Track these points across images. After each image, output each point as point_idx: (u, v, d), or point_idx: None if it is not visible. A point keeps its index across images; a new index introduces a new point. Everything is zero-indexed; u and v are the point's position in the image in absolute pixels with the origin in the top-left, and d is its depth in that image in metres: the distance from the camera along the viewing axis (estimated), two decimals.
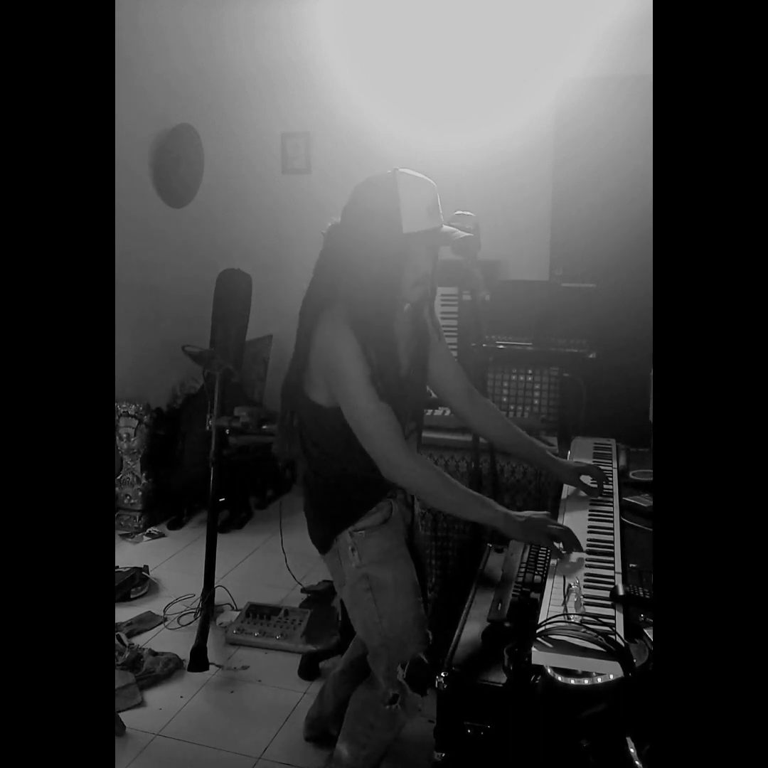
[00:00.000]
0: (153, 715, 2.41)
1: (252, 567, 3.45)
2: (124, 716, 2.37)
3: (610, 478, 2.01)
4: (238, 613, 2.97)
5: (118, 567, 3.24)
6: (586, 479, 1.93)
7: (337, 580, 1.85)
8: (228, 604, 3.06)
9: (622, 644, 1.23)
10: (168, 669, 2.61)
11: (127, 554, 3.56)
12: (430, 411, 2.61)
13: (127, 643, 2.75)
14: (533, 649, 1.24)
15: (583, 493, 1.91)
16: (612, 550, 1.60)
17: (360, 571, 1.74)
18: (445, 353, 1.91)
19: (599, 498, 1.89)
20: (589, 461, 2.14)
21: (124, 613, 2.97)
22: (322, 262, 1.70)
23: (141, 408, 3.89)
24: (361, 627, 1.81)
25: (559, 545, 1.59)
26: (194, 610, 2.97)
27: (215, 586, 2.86)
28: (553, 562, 1.55)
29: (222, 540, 2.98)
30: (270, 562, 3.36)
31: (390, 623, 1.75)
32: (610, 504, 1.86)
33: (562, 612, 1.31)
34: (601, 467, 2.01)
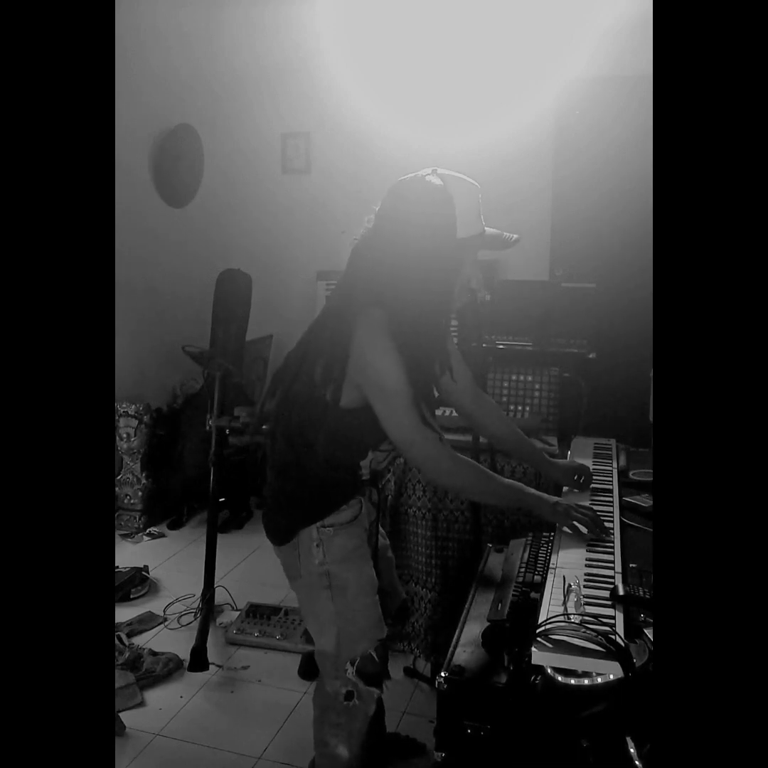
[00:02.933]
0: (153, 715, 2.41)
1: (252, 567, 3.45)
2: (124, 716, 2.37)
3: (610, 479, 2.02)
4: (238, 613, 2.97)
5: (118, 567, 3.24)
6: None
7: (289, 573, 1.81)
8: (228, 604, 3.07)
9: (622, 644, 1.23)
10: (168, 669, 2.61)
11: (127, 554, 3.56)
12: None
13: (127, 643, 2.75)
14: (533, 649, 1.24)
15: (576, 491, 1.94)
16: (612, 550, 1.60)
17: (322, 568, 1.72)
18: (453, 350, 1.90)
19: (599, 498, 1.89)
20: (589, 461, 2.14)
21: (124, 613, 2.97)
22: (360, 266, 1.63)
23: (141, 408, 3.89)
24: (314, 623, 1.78)
25: (585, 530, 1.65)
26: (194, 610, 2.97)
27: (215, 586, 2.86)
28: (554, 557, 1.55)
29: (222, 540, 2.98)
30: (270, 562, 3.31)
31: (345, 622, 1.73)
32: (610, 504, 1.86)
33: (562, 612, 1.31)
34: (602, 467, 2.01)
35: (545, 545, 1.75)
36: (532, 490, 1.71)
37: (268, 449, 1.80)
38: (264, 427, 1.86)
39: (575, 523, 1.67)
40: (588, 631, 1.25)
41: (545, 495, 1.71)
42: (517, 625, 1.42)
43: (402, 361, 1.56)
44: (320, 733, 1.84)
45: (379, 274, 1.58)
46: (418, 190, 1.58)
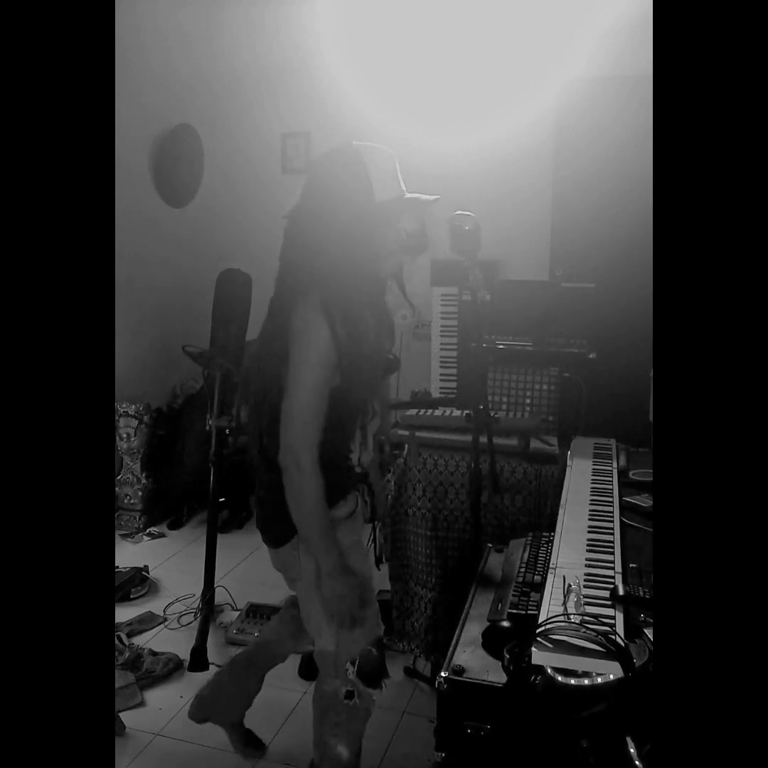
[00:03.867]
0: (153, 715, 2.41)
1: (252, 567, 3.45)
2: (124, 716, 2.37)
3: (610, 479, 2.01)
4: (238, 613, 2.97)
5: (118, 567, 3.24)
6: None
7: (289, 575, 1.81)
8: (228, 604, 3.06)
9: (622, 644, 1.23)
10: (168, 669, 2.61)
11: (127, 554, 3.56)
12: (430, 411, 2.61)
13: (127, 643, 2.75)
14: (533, 649, 1.24)
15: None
16: (612, 550, 1.60)
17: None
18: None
19: (599, 498, 1.89)
20: (589, 461, 2.14)
21: (124, 613, 2.97)
22: (289, 247, 1.65)
23: (141, 408, 3.89)
24: (314, 623, 1.77)
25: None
26: (194, 610, 2.97)
27: (215, 586, 2.86)
28: (554, 557, 1.55)
29: (222, 540, 2.98)
30: (270, 562, 3.35)
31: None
32: (610, 504, 1.86)
33: (562, 612, 1.31)
34: (602, 467, 2.01)
35: (545, 545, 1.76)
36: (339, 565, 1.64)
37: (254, 452, 1.77)
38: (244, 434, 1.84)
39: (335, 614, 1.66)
40: (588, 631, 1.25)
41: (343, 575, 1.65)
42: (517, 625, 1.42)
43: (331, 342, 1.54)
44: (320, 733, 1.85)
45: (307, 252, 1.60)
46: (332, 160, 1.60)
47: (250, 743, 2.21)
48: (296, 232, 1.64)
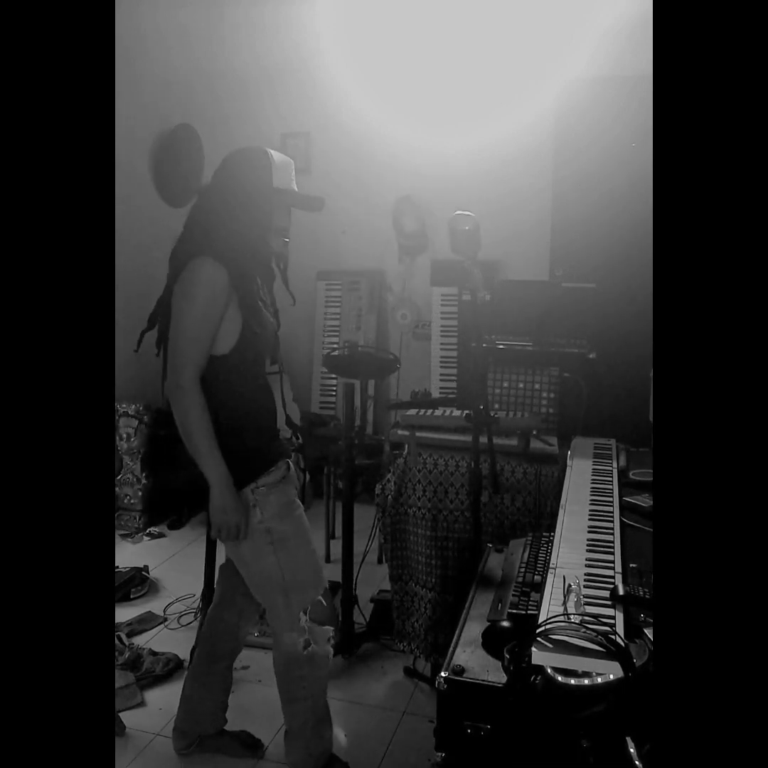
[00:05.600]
0: (153, 715, 2.41)
1: None
2: (124, 716, 2.37)
3: (610, 479, 2.01)
4: None
5: (118, 567, 3.24)
6: None
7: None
8: None
9: (622, 644, 1.23)
10: (168, 669, 2.61)
11: (127, 554, 3.56)
12: (430, 411, 2.61)
13: (127, 643, 2.75)
14: (533, 649, 1.24)
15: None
16: (612, 550, 1.60)
17: (262, 525, 1.83)
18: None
19: (599, 498, 1.89)
20: (589, 461, 2.14)
21: (124, 613, 2.97)
22: (194, 217, 1.89)
23: (141, 408, 3.89)
24: (261, 581, 1.90)
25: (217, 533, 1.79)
26: (194, 610, 2.97)
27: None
28: (554, 557, 1.55)
29: None
30: None
31: (291, 573, 1.87)
32: (610, 504, 1.86)
33: (562, 612, 1.31)
34: (602, 467, 2.00)
35: (545, 545, 1.76)
36: (224, 477, 1.77)
37: None
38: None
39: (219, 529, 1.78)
40: (588, 631, 1.25)
41: (228, 488, 1.77)
42: (517, 625, 1.42)
43: (228, 285, 1.75)
44: (288, 690, 1.96)
45: (208, 222, 1.83)
46: (243, 152, 1.86)
47: (247, 744, 2.23)
48: (203, 202, 1.88)
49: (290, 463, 1.95)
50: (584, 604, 1.35)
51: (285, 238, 1.90)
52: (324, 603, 1.96)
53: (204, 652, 2.20)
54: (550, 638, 1.25)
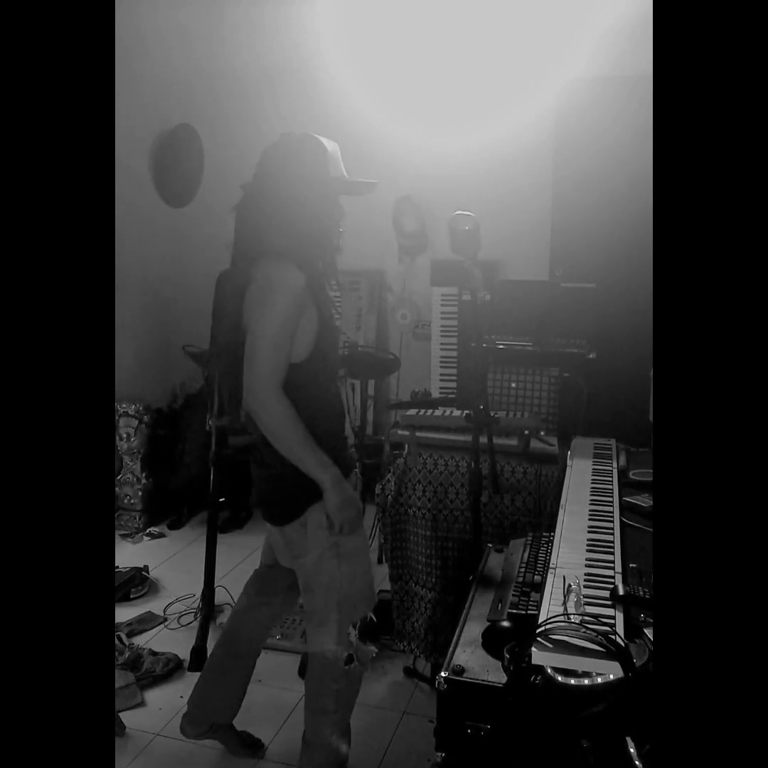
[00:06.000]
0: (153, 715, 2.41)
1: (252, 567, 3.42)
2: (124, 716, 2.37)
3: (610, 479, 2.01)
4: None
5: (118, 567, 3.25)
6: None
7: (294, 552, 1.85)
8: (228, 604, 3.06)
9: (622, 644, 1.23)
10: (168, 669, 2.61)
11: (127, 554, 3.56)
12: (430, 411, 2.61)
13: (127, 643, 2.75)
14: (533, 649, 1.24)
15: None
16: (612, 550, 1.60)
17: (331, 539, 1.79)
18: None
19: (599, 498, 1.89)
20: (589, 461, 2.14)
21: (124, 613, 2.97)
22: (244, 217, 1.78)
23: (141, 408, 3.89)
24: (319, 591, 1.84)
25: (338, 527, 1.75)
26: (194, 610, 2.97)
27: (215, 586, 2.86)
28: (554, 557, 1.55)
29: (222, 540, 2.98)
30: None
31: (350, 586, 1.83)
32: (610, 504, 1.86)
33: (562, 612, 1.31)
34: (602, 467, 2.00)
35: (545, 545, 1.76)
36: (336, 474, 1.72)
37: (258, 437, 1.81)
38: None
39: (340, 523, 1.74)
40: (588, 631, 1.25)
41: (342, 483, 1.73)
42: (517, 625, 1.42)
43: (307, 289, 1.65)
44: (318, 701, 1.91)
45: (264, 222, 1.72)
46: (288, 141, 1.78)
47: (247, 744, 2.22)
48: (252, 200, 1.77)
49: (357, 472, 1.93)
50: (584, 604, 1.35)
51: (341, 229, 1.82)
52: (374, 619, 1.93)
53: (231, 651, 2.16)
54: (550, 638, 1.25)
